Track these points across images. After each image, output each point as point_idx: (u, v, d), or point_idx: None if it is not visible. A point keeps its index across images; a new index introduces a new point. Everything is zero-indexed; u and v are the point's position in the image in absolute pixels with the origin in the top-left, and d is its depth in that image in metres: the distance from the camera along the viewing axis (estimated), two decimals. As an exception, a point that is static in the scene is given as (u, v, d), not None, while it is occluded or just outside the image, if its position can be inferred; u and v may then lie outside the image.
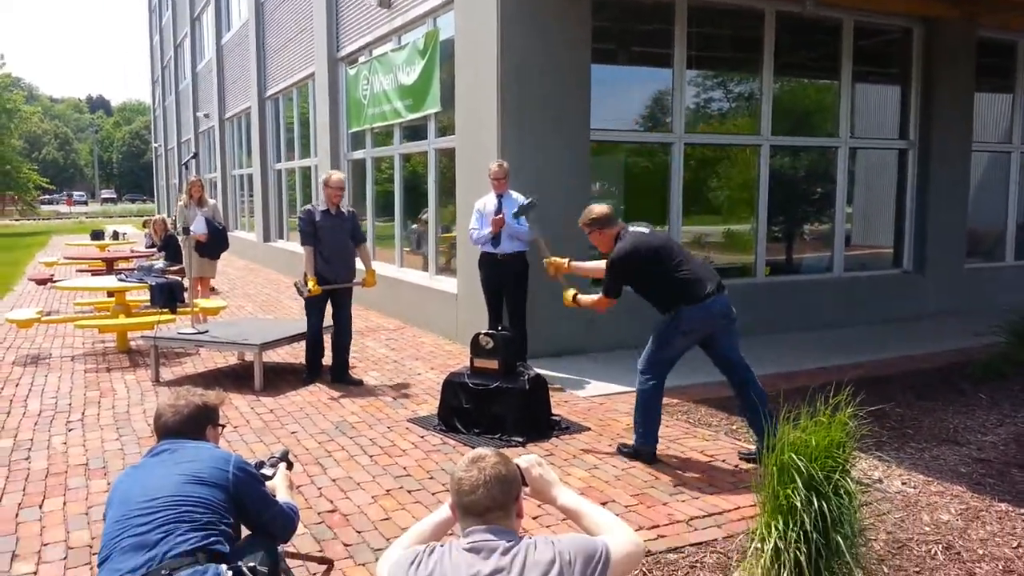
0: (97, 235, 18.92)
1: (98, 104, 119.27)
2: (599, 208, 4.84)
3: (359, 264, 6.91)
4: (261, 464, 2.85)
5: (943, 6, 8.96)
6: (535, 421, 5.29)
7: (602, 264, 4.92)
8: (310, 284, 6.49)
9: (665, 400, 6.02)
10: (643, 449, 4.77)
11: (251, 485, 2.54)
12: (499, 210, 6.80)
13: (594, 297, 4.94)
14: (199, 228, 9.29)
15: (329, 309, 6.78)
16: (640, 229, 4.79)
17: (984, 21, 9.36)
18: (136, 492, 2.39)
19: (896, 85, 9.72)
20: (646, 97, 8.40)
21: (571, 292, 5.08)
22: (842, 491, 3.13)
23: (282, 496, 2.74)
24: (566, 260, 5.27)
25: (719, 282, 4.68)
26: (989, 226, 10.70)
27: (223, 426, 2.89)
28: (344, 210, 6.77)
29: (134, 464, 2.63)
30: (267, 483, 2.77)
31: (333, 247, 6.60)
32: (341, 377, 6.73)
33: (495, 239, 6.82)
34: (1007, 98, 10.50)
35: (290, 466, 2.97)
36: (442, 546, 2.05)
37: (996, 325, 7.17)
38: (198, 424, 2.67)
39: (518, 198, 6.87)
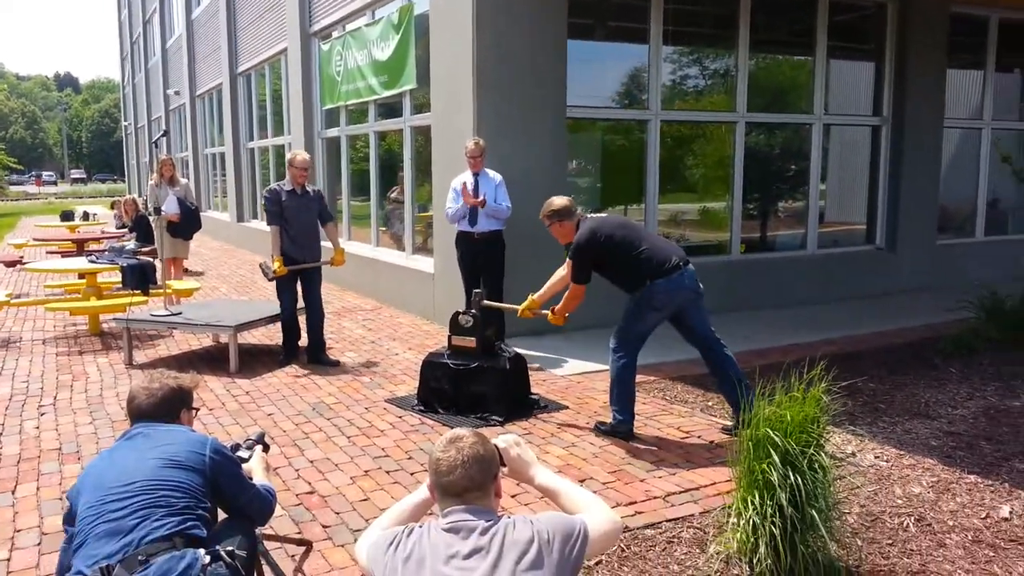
0: (67, 216, 18.62)
1: (66, 82, 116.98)
2: (559, 200, 4.89)
3: (329, 243, 6.89)
4: (237, 447, 2.82)
5: (917, -18, 9.00)
6: (515, 400, 5.30)
7: (560, 275, 5.01)
8: (275, 265, 6.47)
9: (641, 377, 6.07)
10: (620, 427, 4.80)
11: (227, 468, 2.52)
12: (476, 188, 6.77)
13: (566, 298, 4.93)
14: (171, 208, 9.17)
15: (300, 290, 6.75)
16: (599, 215, 4.90)
17: (957, -3, 9.42)
18: (110, 477, 2.35)
19: (870, 61, 9.76)
20: (622, 74, 8.36)
21: (526, 302, 5.15)
22: (816, 465, 3.17)
23: (259, 478, 2.72)
24: (529, 296, 5.21)
25: (684, 256, 4.73)
26: (960, 202, 10.83)
27: (197, 409, 2.87)
28: (311, 189, 6.73)
29: (107, 448, 2.58)
30: (243, 466, 2.75)
31: (299, 227, 6.57)
32: (317, 358, 6.70)
33: (472, 218, 6.79)
34: (978, 74, 10.58)
35: (266, 448, 2.95)
36: (420, 527, 2.05)
37: (967, 300, 7.27)
38: (172, 407, 2.64)
39: (495, 176, 6.84)
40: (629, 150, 8.52)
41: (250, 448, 2.85)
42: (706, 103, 8.86)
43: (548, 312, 5.09)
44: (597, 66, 8.20)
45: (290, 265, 6.53)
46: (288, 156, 6.72)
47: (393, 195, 9.92)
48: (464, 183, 6.77)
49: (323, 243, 6.98)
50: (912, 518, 3.67)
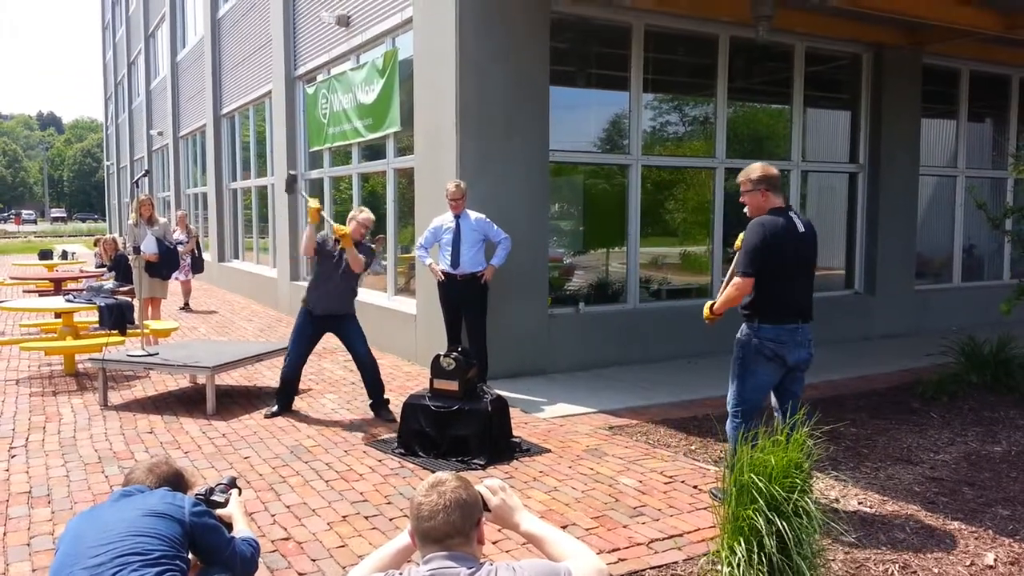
0: (45, 255, 18.42)
1: (49, 121, 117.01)
2: (773, 169, 4.33)
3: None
4: (211, 491, 2.77)
5: (890, 33, 9.25)
6: (496, 443, 5.24)
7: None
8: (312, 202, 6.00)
9: (624, 421, 6.05)
10: None
11: (208, 524, 2.51)
12: (458, 230, 6.79)
13: (728, 291, 4.28)
14: (149, 248, 9.11)
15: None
16: (799, 221, 4.27)
17: (929, 48, 9.67)
18: (90, 529, 2.34)
19: (846, 110, 9.97)
20: (604, 119, 8.48)
21: (707, 305, 4.51)
22: (801, 511, 3.15)
23: (240, 527, 2.68)
24: (708, 305, 4.55)
25: (808, 316, 4.30)
26: (937, 248, 10.99)
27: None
28: (365, 242, 6.30)
29: (90, 508, 2.63)
30: (221, 511, 2.70)
31: (336, 280, 6.15)
32: (379, 412, 6.25)
33: (454, 259, 6.80)
34: (951, 123, 10.83)
35: (239, 491, 2.90)
36: (400, 574, 2.00)
37: (945, 345, 7.33)
38: (168, 485, 2.66)
39: (477, 217, 6.87)
40: (610, 194, 8.60)
41: (224, 492, 2.80)
42: (686, 149, 8.98)
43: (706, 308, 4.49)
44: (579, 112, 8.31)
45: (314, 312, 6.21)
46: (352, 212, 6.31)
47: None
48: (436, 267, 7.02)
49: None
50: (897, 565, 3.64)
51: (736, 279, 4.20)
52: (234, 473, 3.06)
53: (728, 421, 4.35)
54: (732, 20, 8.24)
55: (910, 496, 4.53)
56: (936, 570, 3.60)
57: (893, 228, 9.91)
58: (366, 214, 6.29)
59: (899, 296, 10.01)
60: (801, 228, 4.24)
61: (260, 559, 3.67)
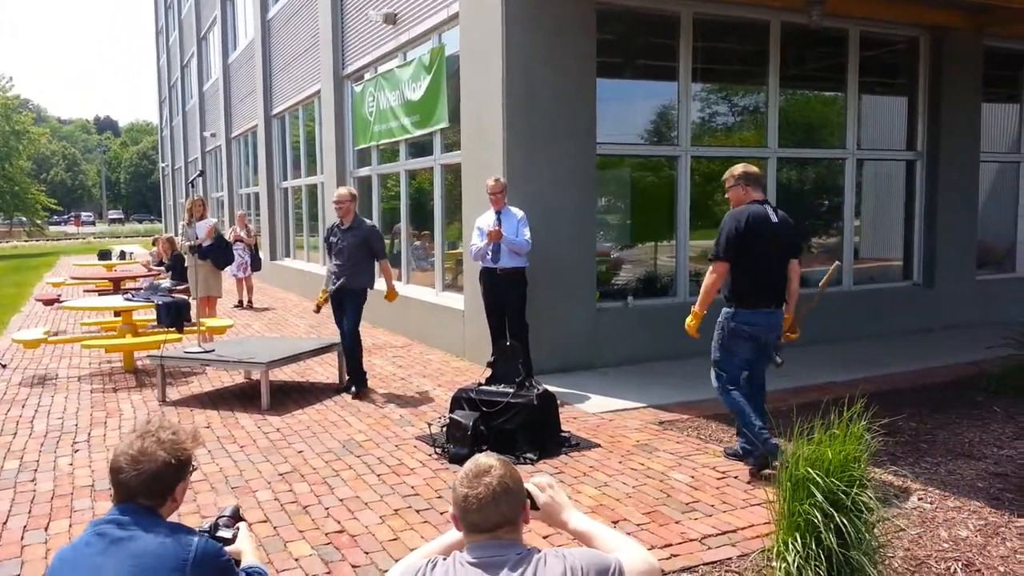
0: (104, 255, 18.98)
1: (105, 125, 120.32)
2: (753, 168, 4.89)
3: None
4: (215, 527, 2.48)
5: (950, 15, 8.95)
6: (545, 437, 5.23)
7: (706, 281, 4.89)
8: (319, 297, 7.07)
9: (674, 416, 5.99)
10: (759, 453, 4.57)
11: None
12: (499, 226, 6.76)
13: (705, 281, 4.85)
14: (202, 232, 9.47)
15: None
16: (773, 212, 4.80)
17: (991, 30, 9.34)
18: None
19: (903, 96, 9.69)
20: (651, 111, 8.38)
21: (690, 318, 5.00)
22: (861, 506, 3.07)
23: (249, 560, 2.43)
24: (693, 315, 4.99)
25: (779, 302, 4.84)
26: (999, 237, 10.63)
27: (194, 468, 2.37)
28: (360, 224, 7.05)
29: (73, 544, 2.16)
30: (230, 548, 2.38)
31: (339, 258, 7.01)
32: (347, 385, 7.02)
33: (495, 255, 6.76)
34: (1014, 108, 10.45)
35: (248, 524, 2.63)
36: (445, 559, 1.99)
37: (1009, 337, 7.08)
38: (163, 486, 2.20)
39: (517, 213, 6.83)
40: (659, 186, 8.50)
41: (229, 526, 2.51)
42: (736, 139, 8.83)
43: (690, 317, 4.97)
44: (626, 104, 8.23)
45: (331, 290, 6.97)
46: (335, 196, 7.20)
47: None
48: (488, 223, 6.76)
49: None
50: (960, 563, 3.53)
51: (712, 265, 4.75)
52: (236, 504, 2.76)
53: (718, 390, 4.82)
54: (783, 5, 8.07)
55: (973, 492, 4.39)
56: (1002, 569, 3.48)
57: (953, 216, 9.61)
58: (336, 191, 7.23)
59: (960, 287, 9.70)
60: (774, 219, 4.75)
61: (315, 551, 3.73)
